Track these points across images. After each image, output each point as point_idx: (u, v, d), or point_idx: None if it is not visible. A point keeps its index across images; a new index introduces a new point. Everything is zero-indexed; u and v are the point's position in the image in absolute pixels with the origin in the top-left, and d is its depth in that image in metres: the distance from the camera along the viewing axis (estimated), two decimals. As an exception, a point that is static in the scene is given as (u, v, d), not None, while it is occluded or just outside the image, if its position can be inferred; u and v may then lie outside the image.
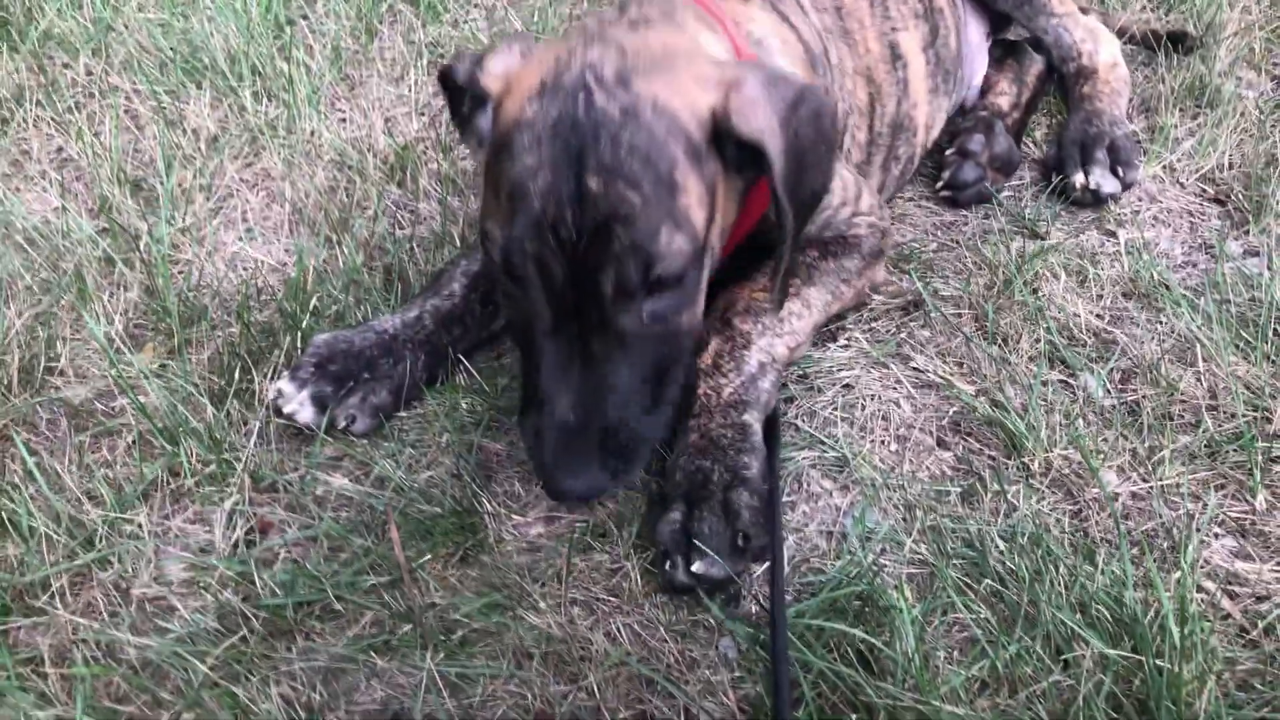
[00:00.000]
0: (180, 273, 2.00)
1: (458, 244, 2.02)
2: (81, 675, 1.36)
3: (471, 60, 1.50)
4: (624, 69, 1.34)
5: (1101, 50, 2.36)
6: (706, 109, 1.37)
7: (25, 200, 2.16)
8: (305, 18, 2.76)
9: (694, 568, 1.42)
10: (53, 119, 2.37)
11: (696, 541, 1.43)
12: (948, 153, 2.21)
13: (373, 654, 1.41)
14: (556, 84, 1.33)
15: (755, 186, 1.54)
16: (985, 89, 2.40)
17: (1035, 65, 2.43)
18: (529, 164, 1.31)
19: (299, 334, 1.80)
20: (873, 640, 1.36)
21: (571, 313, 1.36)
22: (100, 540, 1.53)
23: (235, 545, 1.54)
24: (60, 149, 2.32)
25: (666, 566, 1.45)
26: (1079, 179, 2.14)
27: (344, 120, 2.41)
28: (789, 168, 1.41)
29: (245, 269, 2.02)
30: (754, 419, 1.61)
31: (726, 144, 1.40)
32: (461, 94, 1.53)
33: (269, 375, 1.75)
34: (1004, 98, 2.37)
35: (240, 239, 2.09)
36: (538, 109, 1.33)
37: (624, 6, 1.56)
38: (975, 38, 2.35)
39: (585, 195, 1.29)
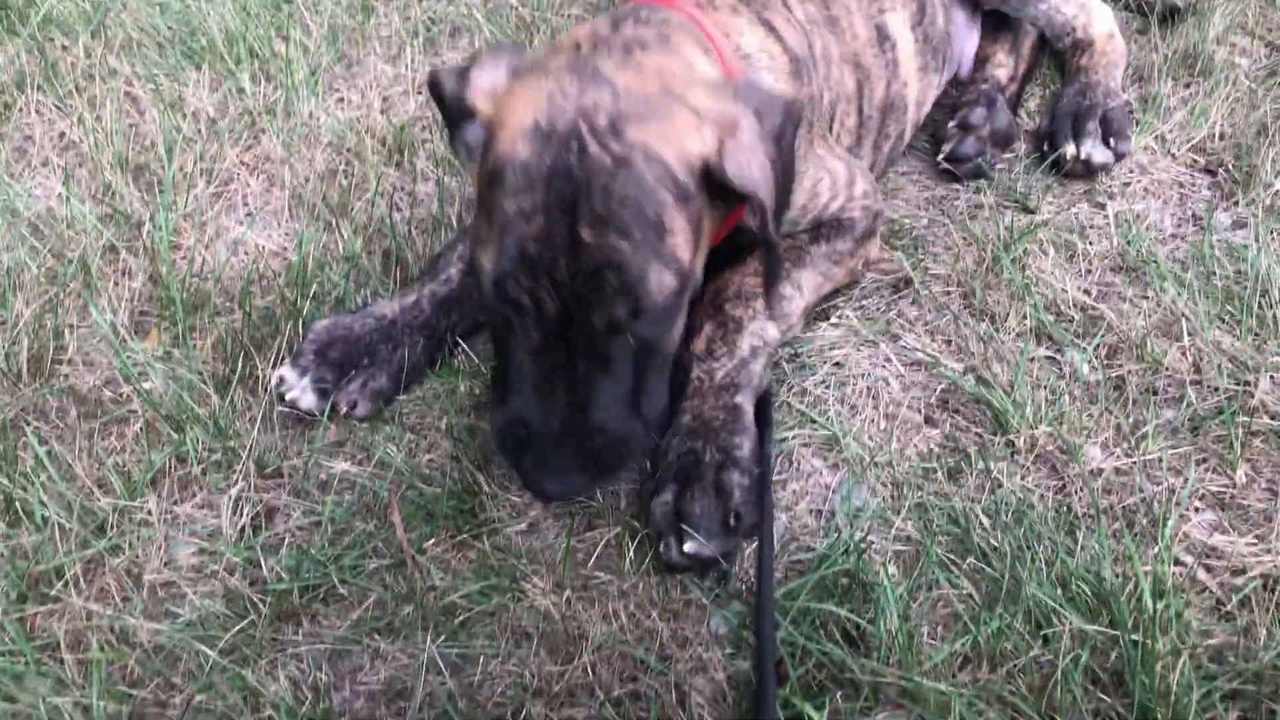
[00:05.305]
0: (183, 259, 2.03)
1: (454, 226, 2.05)
2: (96, 660, 1.42)
3: (458, 74, 1.51)
4: (617, 116, 1.35)
5: (1095, 22, 2.36)
6: (698, 157, 1.39)
7: (29, 188, 2.20)
8: (302, -5, 2.77)
9: (686, 548, 1.47)
10: (54, 104, 2.40)
11: (687, 522, 1.48)
12: (949, 125, 2.22)
13: (376, 636, 1.46)
14: (551, 128, 1.35)
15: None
16: (982, 60, 2.40)
17: (1030, 36, 2.43)
18: (524, 206, 1.34)
19: (300, 320, 1.84)
20: (858, 619, 1.41)
21: (559, 337, 1.41)
22: (111, 527, 1.58)
23: (242, 531, 1.59)
24: (63, 134, 2.35)
25: (660, 547, 1.51)
26: (1070, 150, 2.15)
27: (341, 101, 2.43)
28: (776, 199, 1.46)
29: (246, 254, 2.06)
30: (745, 401, 1.65)
31: (715, 181, 1.43)
32: (448, 107, 1.55)
33: (271, 362, 1.79)
34: (1002, 70, 2.37)
35: (241, 223, 2.12)
36: (532, 151, 1.35)
37: (619, 21, 1.56)
38: (962, 18, 2.35)
39: (579, 243, 1.33)
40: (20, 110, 2.40)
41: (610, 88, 1.38)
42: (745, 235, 1.64)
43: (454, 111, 1.52)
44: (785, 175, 1.47)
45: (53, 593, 1.51)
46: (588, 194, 1.32)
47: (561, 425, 1.44)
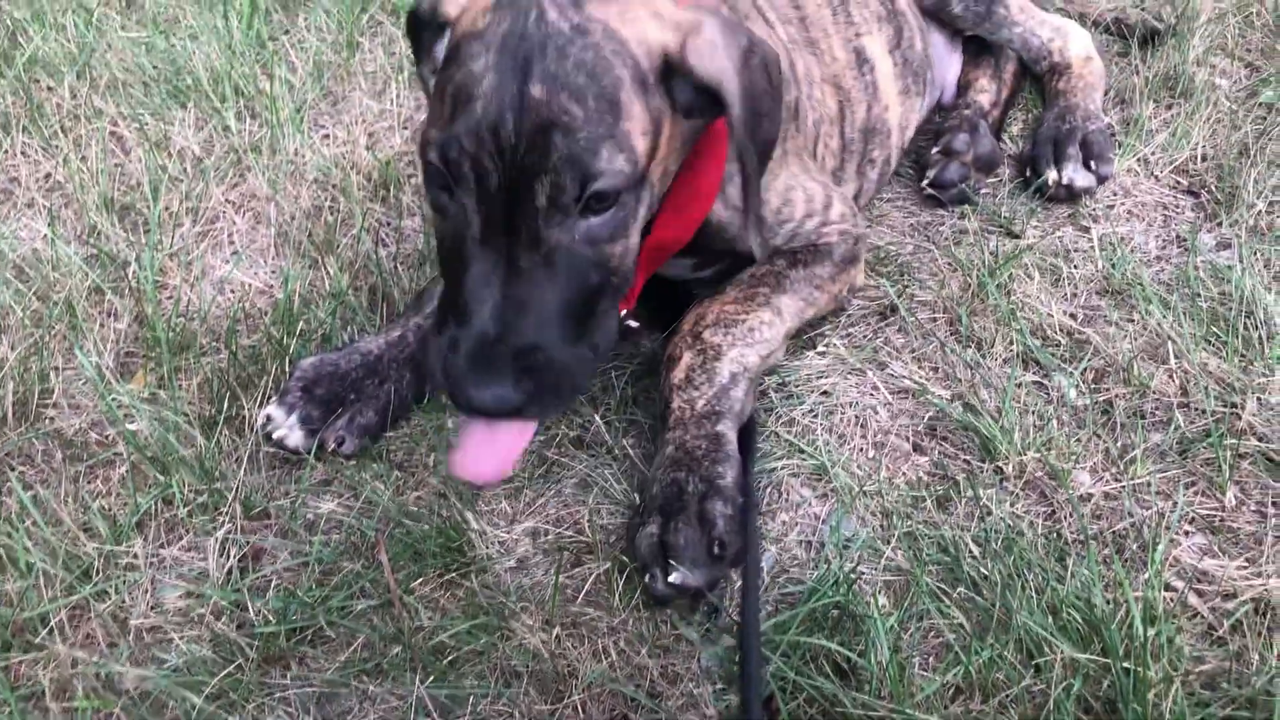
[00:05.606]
0: (169, 299, 2.03)
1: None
2: (82, 709, 1.40)
3: None
4: None
5: (1072, 45, 2.38)
6: (659, 46, 1.39)
7: (14, 230, 2.19)
8: (286, 33, 2.78)
9: (671, 579, 1.46)
10: (40, 145, 2.40)
11: (671, 553, 1.47)
12: (933, 152, 2.23)
13: (364, 678, 1.45)
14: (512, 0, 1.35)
15: (703, 159, 1.57)
16: (965, 85, 2.42)
17: (1012, 61, 2.45)
18: (475, 69, 1.32)
19: (286, 359, 1.83)
20: (848, 652, 1.40)
21: (501, 224, 1.33)
22: (97, 572, 1.57)
23: (229, 573, 1.58)
24: (48, 175, 2.35)
25: (646, 579, 1.50)
26: (1052, 175, 2.16)
27: (327, 137, 2.44)
28: (745, 111, 1.43)
29: (232, 293, 2.06)
30: (728, 429, 1.64)
31: (677, 86, 1.42)
32: (423, 33, 1.53)
33: (258, 401, 1.79)
34: (985, 95, 2.38)
35: (227, 262, 2.12)
36: (490, 20, 1.35)
37: None
38: (941, 40, 2.36)
39: (528, 101, 1.29)
40: (6, 152, 2.40)
41: None
42: (717, 243, 1.63)
43: (426, 29, 1.48)
44: (756, 99, 1.44)
45: (37, 640, 1.49)
46: (542, 54, 1.30)
47: (496, 323, 1.32)
